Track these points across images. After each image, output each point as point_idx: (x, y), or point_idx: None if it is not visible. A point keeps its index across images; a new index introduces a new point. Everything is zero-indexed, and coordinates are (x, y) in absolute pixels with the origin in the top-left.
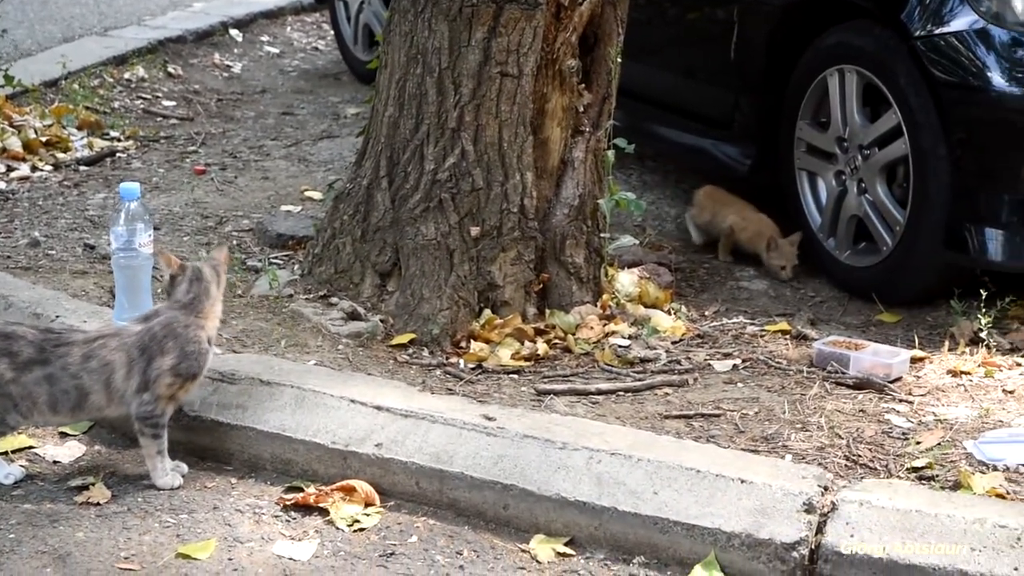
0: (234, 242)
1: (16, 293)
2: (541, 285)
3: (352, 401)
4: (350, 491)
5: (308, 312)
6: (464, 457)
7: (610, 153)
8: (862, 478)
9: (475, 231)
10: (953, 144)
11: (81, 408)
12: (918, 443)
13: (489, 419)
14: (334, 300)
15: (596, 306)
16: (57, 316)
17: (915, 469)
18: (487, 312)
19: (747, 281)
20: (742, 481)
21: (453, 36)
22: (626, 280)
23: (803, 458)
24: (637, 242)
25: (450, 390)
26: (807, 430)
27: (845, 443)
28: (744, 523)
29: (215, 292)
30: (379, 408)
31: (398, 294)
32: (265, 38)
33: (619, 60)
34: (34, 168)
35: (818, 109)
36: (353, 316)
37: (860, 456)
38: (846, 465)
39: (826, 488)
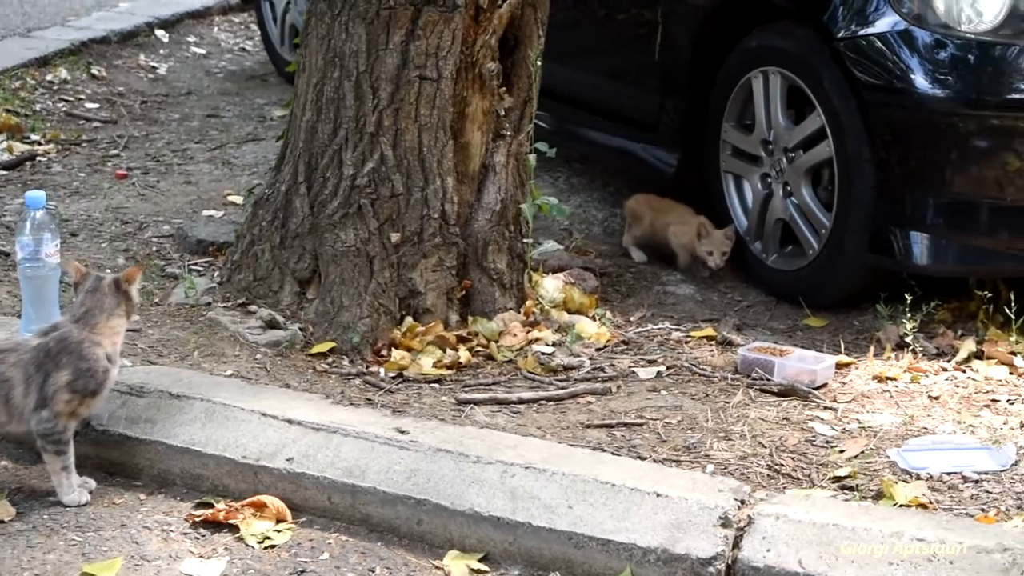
0: (154, 248)
1: None
2: (463, 292)
3: (263, 414)
4: (261, 507)
5: (226, 321)
6: (377, 472)
7: (531, 157)
8: (784, 488)
9: (395, 237)
10: (877, 147)
11: None
12: (841, 451)
13: (402, 432)
14: (253, 308)
15: (519, 312)
16: None
17: (837, 479)
18: (409, 319)
19: (673, 286)
20: (658, 495)
21: (371, 39)
22: (550, 286)
23: (725, 468)
24: (561, 247)
25: (369, 400)
26: (730, 439)
27: (768, 452)
28: (660, 538)
29: (110, 305)
30: (291, 421)
31: (317, 302)
32: (192, 39)
33: (540, 63)
34: None
35: (743, 111)
36: (272, 325)
37: (783, 465)
38: (768, 475)
39: (743, 502)
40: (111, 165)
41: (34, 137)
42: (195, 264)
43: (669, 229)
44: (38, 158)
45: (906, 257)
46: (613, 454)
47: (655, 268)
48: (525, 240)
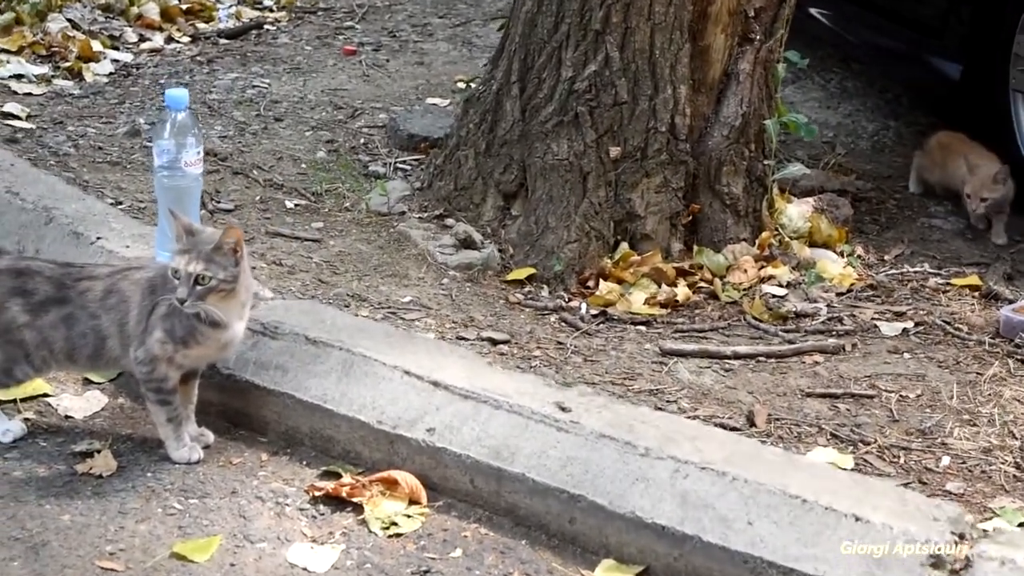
0: (361, 141)
1: (61, 206)
2: (690, 217)
3: (406, 372)
4: (392, 484)
5: (417, 235)
6: (528, 455)
7: (781, 67)
8: None
9: (615, 151)
10: None
11: (99, 356)
12: None
13: (564, 409)
14: (450, 222)
15: (754, 245)
16: (99, 238)
17: None
18: (623, 246)
19: (941, 219)
20: (856, 519)
21: None
22: (794, 213)
23: (963, 462)
24: (809, 171)
25: (560, 344)
26: (975, 424)
27: (1019, 445)
28: (853, 574)
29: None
30: (436, 384)
31: (521, 220)
32: None
33: None
34: (169, 39)
35: None
36: (466, 243)
37: None
38: (1015, 476)
39: (962, 536)
40: (342, 39)
41: (267, 3)
42: (402, 162)
43: (960, 178)
44: (266, 27)
45: None
46: (833, 434)
47: (924, 198)
48: (767, 161)
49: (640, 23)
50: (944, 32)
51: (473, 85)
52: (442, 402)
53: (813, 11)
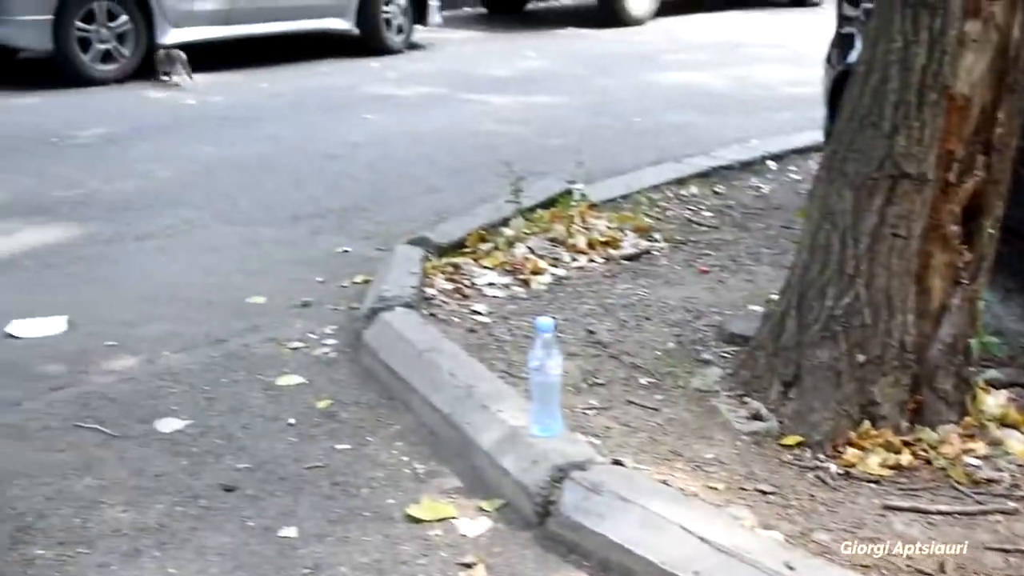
0: (699, 336)
1: (479, 384)
2: (914, 406)
3: (682, 528)
4: None
5: (723, 408)
6: None
7: (981, 303)
8: None
9: (861, 358)
10: None
11: None
12: None
13: (790, 568)
14: (747, 400)
15: (959, 426)
16: (499, 411)
17: None
18: (866, 424)
19: None
20: None
21: (856, 202)
22: (991, 403)
23: None
24: (999, 375)
25: (811, 496)
26: None
27: None
28: None
29: None
30: (703, 539)
31: (794, 402)
32: (792, 168)
33: (996, 228)
34: (591, 260)
35: None
36: (756, 417)
37: None
38: None
39: None
40: (700, 261)
41: (656, 236)
42: (724, 353)
43: None
44: (653, 252)
45: None
46: None
47: None
48: (971, 368)
49: (880, 271)
50: None
51: (768, 305)
52: (706, 553)
53: None
